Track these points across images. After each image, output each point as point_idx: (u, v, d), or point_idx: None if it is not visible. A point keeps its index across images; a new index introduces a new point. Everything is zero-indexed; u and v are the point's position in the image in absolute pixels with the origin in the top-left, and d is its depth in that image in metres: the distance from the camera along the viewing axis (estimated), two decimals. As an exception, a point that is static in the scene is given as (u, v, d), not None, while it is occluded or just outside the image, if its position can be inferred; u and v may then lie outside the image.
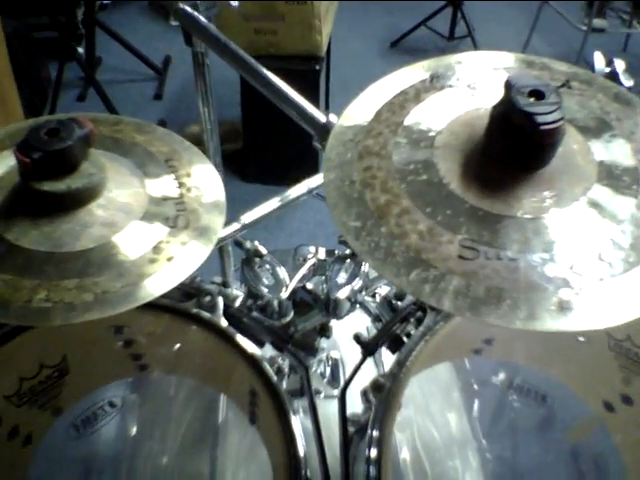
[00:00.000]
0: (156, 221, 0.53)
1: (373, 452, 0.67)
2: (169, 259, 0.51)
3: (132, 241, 0.52)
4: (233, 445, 0.95)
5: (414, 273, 0.43)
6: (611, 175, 0.47)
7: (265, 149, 2.29)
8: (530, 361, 0.96)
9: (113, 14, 3.35)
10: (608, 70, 0.90)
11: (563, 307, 0.41)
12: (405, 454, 1.00)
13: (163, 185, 0.56)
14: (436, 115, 0.52)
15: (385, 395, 0.70)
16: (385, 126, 0.52)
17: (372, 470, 0.66)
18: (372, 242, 0.45)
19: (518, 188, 0.46)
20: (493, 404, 1.08)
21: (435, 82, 0.55)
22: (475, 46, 3.14)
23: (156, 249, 0.51)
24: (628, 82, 0.86)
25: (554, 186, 0.46)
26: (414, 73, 0.57)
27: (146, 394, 1.02)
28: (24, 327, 0.68)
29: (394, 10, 3.67)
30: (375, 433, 0.68)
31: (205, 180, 0.58)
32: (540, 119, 0.43)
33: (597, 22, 3.05)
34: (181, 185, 0.56)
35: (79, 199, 0.51)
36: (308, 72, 2.09)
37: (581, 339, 0.86)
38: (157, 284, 0.50)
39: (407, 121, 0.52)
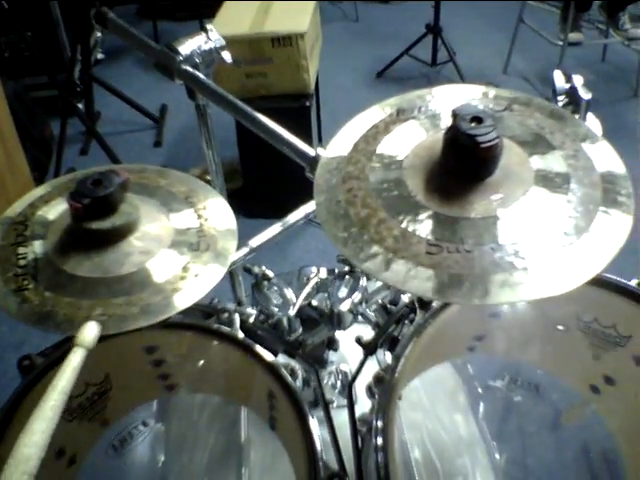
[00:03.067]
0: (182, 247, 0.66)
1: (379, 440, 0.73)
2: (196, 275, 0.63)
3: (164, 264, 0.64)
4: (257, 459, 1.03)
5: (392, 268, 0.54)
6: (546, 179, 0.58)
7: (264, 185, 2.40)
8: (518, 354, 1.04)
9: (108, 68, 3.48)
10: (568, 86, 0.99)
11: (509, 284, 0.52)
12: (416, 454, 1.06)
13: (185, 218, 0.69)
14: (403, 142, 0.64)
15: (385, 387, 0.78)
16: (362, 155, 0.64)
17: (380, 457, 0.72)
18: (357, 247, 0.56)
19: (470, 195, 0.57)
20: (499, 406, 1.14)
21: (400, 115, 0.67)
22: (457, 70, 3.27)
23: (184, 269, 0.64)
24: (587, 95, 0.95)
25: (499, 191, 0.57)
26: (383, 110, 0.69)
27: (172, 418, 1.10)
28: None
29: (377, 41, 3.82)
30: (379, 423, 0.75)
31: (218, 211, 0.71)
32: (480, 139, 0.55)
33: (573, 36, 3.15)
34: (200, 216, 0.69)
35: (120, 234, 0.63)
36: (299, 109, 2.21)
37: (560, 327, 0.96)
38: (187, 296, 0.63)
39: (379, 149, 0.64)
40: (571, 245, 0.54)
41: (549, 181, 0.58)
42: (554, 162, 0.60)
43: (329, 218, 0.59)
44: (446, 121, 0.65)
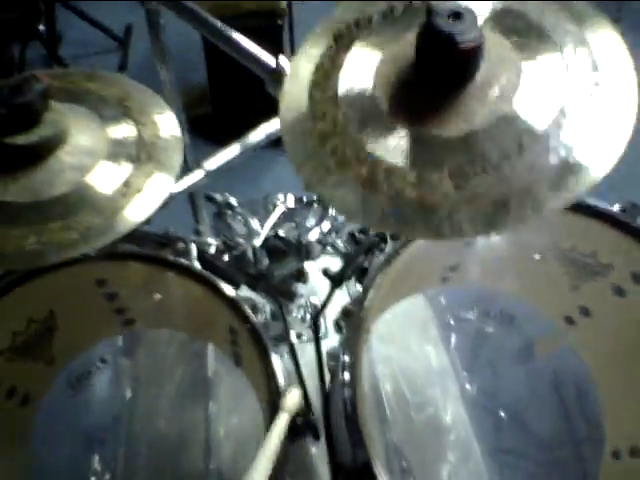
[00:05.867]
0: (120, 159, 0.58)
1: (346, 376, 0.71)
2: (138, 191, 0.56)
3: (102, 180, 0.56)
4: (224, 394, 1.01)
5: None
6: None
7: (234, 110, 2.28)
8: (494, 284, 1.00)
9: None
10: None
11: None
12: (387, 386, 1.05)
13: (120, 125, 0.61)
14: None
15: (353, 320, 0.74)
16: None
17: (347, 392, 0.69)
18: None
19: (467, 104, 0.50)
20: (470, 337, 1.13)
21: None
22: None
23: (126, 184, 0.56)
24: None
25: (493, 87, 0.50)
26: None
27: (137, 354, 1.07)
28: (9, 286, 0.72)
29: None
30: (346, 358, 0.72)
31: (159, 116, 0.63)
32: (459, 38, 0.47)
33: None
34: (137, 123, 0.61)
35: (47, 148, 0.55)
36: (270, 28, 2.09)
37: (536, 256, 0.91)
38: (132, 215, 0.56)
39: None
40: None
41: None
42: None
43: (298, 156, 0.52)
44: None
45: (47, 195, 0.55)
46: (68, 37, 3.03)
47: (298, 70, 0.57)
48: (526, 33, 0.54)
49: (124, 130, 0.60)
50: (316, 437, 0.72)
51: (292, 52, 2.52)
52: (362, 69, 0.55)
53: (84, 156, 0.57)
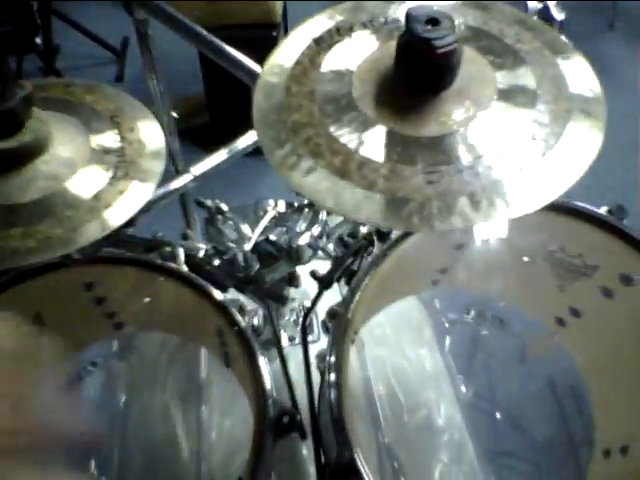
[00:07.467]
0: (96, 172, 0.58)
1: (332, 376, 0.71)
2: (107, 206, 0.56)
3: (74, 191, 0.57)
4: (217, 397, 1.01)
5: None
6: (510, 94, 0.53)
7: (231, 120, 2.31)
8: (484, 286, 1.01)
9: (68, 1, 3.32)
10: (540, 5, 0.93)
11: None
12: (380, 389, 1.05)
13: (106, 139, 0.61)
14: (351, 55, 0.57)
15: (339, 321, 0.74)
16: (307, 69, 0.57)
17: (333, 393, 0.70)
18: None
19: (425, 110, 0.51)
20: (465, 340, 1.13)
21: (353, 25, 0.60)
22: None
23: (96, 198, 0.57)
24: (560, 15, 0.90)
25: (457, 105, 0.52)
26: (332, 18, 0.62)
27: (131, 357, 1.07)
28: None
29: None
30: (332, 359, 0.72)
31: (148, 133, 0.63)
32: (436, 43, 0.49)
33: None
34: (123, 139, 0.61)
35: (26, 155, 0.56)
36: (264, 39, 2.08)
37: (525, 259, 0.92)
38: (96, 229, 0.56)
39: (325, 65, 0.57)
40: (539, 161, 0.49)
41: (513, 96, 0.52)
42: (522, 77, 0.54)
43: (270, 142, 0.53)
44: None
45: (15, 201, 0.56)
46: (65, 49, 3.04)
47: (276, 65, 0.58)
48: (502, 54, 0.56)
49: (107, 142, 0.61)
50: (303, 436, 0.72)
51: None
52: (341, 68, 0.56)
53: (61, 166, 0.57)
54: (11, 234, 0.54)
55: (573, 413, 1.01)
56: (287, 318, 1.18)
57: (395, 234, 0.82)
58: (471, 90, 0.54)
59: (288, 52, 0.59)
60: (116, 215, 0.57)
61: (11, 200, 0.56)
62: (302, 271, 1.12)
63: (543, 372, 1.05)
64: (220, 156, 0.80)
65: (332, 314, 0.76)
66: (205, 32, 0.76)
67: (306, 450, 0.92)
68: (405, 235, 0.81)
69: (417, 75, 0.52)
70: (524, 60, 0.57)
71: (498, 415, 1.03)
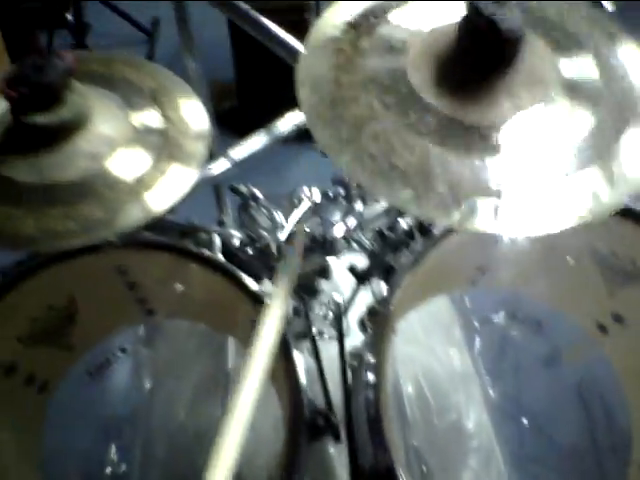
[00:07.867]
0: (140, 151, 0.55)
1: (370, 377, 0.68)
2: (147, 189, 0.53)
3: (114, 172, 0.54)
4: (245, 388, 1.00)
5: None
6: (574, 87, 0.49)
7: (260, 104, 2.28)
8: (524, 287, 0.97)
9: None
10: None
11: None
12: (409, 389, 1.02)
13: (148, 117, 0.58)
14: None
15: (379, 320, 0.71)
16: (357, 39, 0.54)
17: (370, 394, 0.67)
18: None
19: (485, 96, 0.48)
20: (495, 341, 1.10)
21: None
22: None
23: (138, 179, 0.54)
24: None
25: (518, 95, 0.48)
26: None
27: (158, 345, 1.06)
28: (29, 271, 0.71)
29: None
30: (371, 359, 0.69)
31: (190, 112, 0.60)
32: (502, 24, 0.45)
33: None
34: (166, 118, 0.58)
35: (66, 130, 0.53)
36: (297, 24, 2.06)
37: (570, 259, 0.88)
38: (137, 212, 0.53)
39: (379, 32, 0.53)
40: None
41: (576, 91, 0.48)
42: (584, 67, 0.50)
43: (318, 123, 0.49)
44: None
45: (55, 180, 0.53)
46: (96, 28, 3.03)
47: (314, 55, 0.55)
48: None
49: (149, 120, 0.58)
50: (337, 438, 0.69)
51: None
52: (391, 54, 0.53)
53: (102, 144, 0.54)
54: (50, 214, 0.51)
55: (601, 421, 0.99)
56: (316, 311, 1.15)
57: (437, 230, 0.79)
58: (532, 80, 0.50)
59: (324, 38, 0.55)
60: (157, 199, 0.54)
61: (51, 179, 0.53)
62: (333, 263, 1.10)
63: (572, 378, 1.03)
64: (259, 141, 0.76)
65: (372, 312, 0.73)
66: (246, 5, 0.73)
67: (333, 449, 0.90)
68: (449, 231, 0.77)
69: (481, 55, 0.49)
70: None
71: (524, 420, 1.01)
